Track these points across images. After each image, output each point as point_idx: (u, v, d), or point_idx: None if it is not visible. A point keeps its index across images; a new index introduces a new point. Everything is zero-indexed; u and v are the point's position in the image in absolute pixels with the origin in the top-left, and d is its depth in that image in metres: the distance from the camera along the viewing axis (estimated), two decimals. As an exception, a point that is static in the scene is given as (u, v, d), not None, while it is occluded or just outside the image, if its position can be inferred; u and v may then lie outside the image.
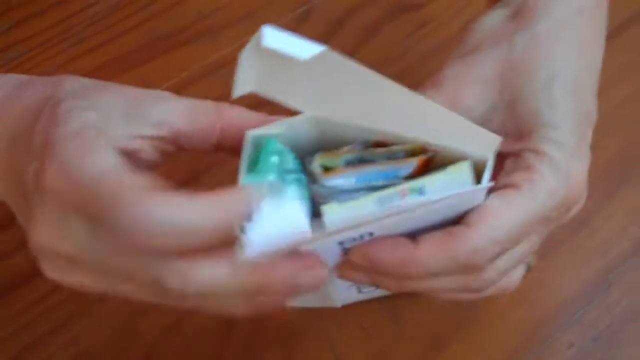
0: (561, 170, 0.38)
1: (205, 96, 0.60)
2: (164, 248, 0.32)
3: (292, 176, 0.37)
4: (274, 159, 0.37)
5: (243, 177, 0.37)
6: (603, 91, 0.58)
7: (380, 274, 0.37)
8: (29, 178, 0.35)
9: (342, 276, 0.39)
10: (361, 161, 0.38)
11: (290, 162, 0.38)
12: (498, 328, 0.50)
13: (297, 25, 0.65)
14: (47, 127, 0.35)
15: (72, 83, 0.38)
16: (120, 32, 0.65)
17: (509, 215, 0.36)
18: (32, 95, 0.38)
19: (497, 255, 0.37)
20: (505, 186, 0.37)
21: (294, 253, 0.35)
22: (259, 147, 0.38)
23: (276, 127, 0.38)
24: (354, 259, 0.37)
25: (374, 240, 0.37)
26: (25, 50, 0.64)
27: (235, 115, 0.39)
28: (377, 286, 0.39)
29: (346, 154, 0.38)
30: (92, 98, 0.37)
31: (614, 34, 0.61)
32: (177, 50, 0.64)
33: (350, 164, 0.38)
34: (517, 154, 0.39)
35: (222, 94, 0.60)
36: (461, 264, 0.36)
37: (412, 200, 0.36)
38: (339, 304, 0.45)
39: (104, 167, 0.33)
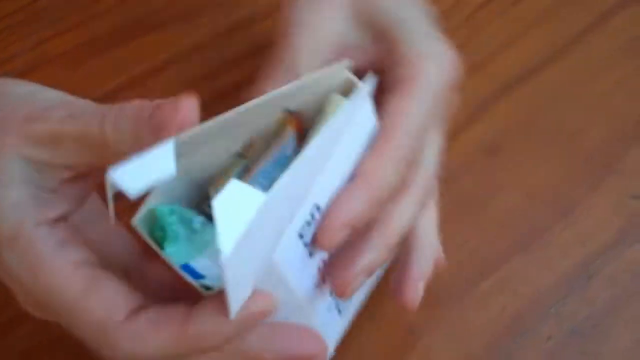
0: (436, 54, 0.39)
1: (181, 80, 0.60)
2: None
3: (197, 223, 0.36)
4: (173, 218, 0.35)
5: (165, 254, 0.35)
6: (589, 80, 0.58)
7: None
8: None
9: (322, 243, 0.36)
10: (248, 168, 0.36)
11: (185, 212, 0.36)
12: (475, 319, 0.49)
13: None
14: None
15: None
16: (95, 14, 0.63)
17: (412, 100, 0.37)
18: None
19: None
20: (395, 82, 0.38)
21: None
22: (154, 221, 0.36)
23: (151, 201, 0.35)
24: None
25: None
26: (-4, 31, 0.62)
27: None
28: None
29: (232, 170, 0.36)
30: None
31: (599, 22, 0.61)
32: (154, 33, 0.62)
33: (241, 175, 0.36)
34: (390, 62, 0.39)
35: (198, 78, 0.60)
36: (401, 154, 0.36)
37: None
38: (331, 346, 0.44)
39: (58, 287, 0.34)
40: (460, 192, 0.53)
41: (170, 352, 0.34)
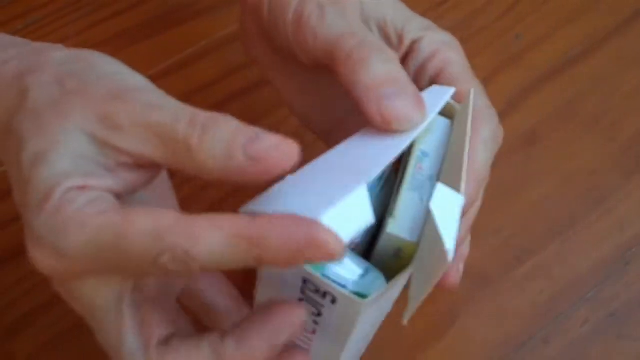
0: (445, 36, 0.41)
1: (223, 66, 0.61)
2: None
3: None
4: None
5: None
6: (626, 71, 0.59)
7: None
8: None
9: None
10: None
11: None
12: (512, 302, 0.50)
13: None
14: (18, 186, 0.34)
15: (39, 92, 0.35)
16: (137, 1, 0.64)
17: (469, 83, 0.39)
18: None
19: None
20: (436, 76, 0.40)
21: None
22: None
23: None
24: None
25: None
26: (38, 18, 0.63)
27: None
28: None
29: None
30: (52, 124, 0.34)
31: (637, 15, 0.61)
32: (195, 20, 0.63)
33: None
34: (407, 54, 0.41)
35: (239, 65, 0.61)
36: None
37: (426, 164, 0.36)
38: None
39: (94, 233, 0.32)
40: (498, 180, 0.54)
41: (229, 248, 0.31)
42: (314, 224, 0.30)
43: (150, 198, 0.38)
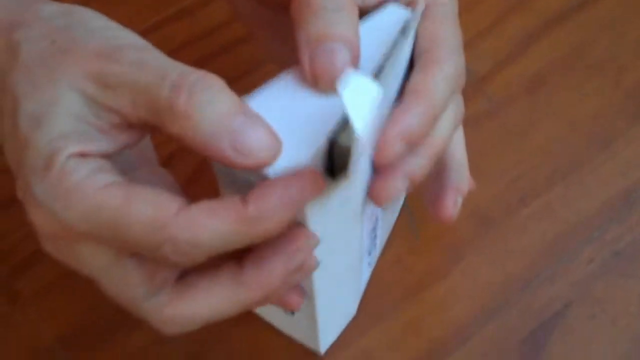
0: None
1: (228, 11, 0.61)
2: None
3: None
4: None
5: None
6: (631, 18, 0.59)
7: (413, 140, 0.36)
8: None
9: (379, 155, 0.36)
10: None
11: None
12: (516, 242, 0.50)
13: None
14: (13, 144, 0.34)
15: (30, 47, 0.34)
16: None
17: (445, 22, 0.38)
18: None
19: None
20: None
21: None
22: None
23: None
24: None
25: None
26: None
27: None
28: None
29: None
30: (46, 82, 0.33)
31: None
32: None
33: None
34: None
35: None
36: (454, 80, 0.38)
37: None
38: (322, 348, 0.47)
39: (95, 207, 0.32)
40: (503, 123, 0.54)
41: (230, 237, 0.32)
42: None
43: (131, 154, 0.37)
